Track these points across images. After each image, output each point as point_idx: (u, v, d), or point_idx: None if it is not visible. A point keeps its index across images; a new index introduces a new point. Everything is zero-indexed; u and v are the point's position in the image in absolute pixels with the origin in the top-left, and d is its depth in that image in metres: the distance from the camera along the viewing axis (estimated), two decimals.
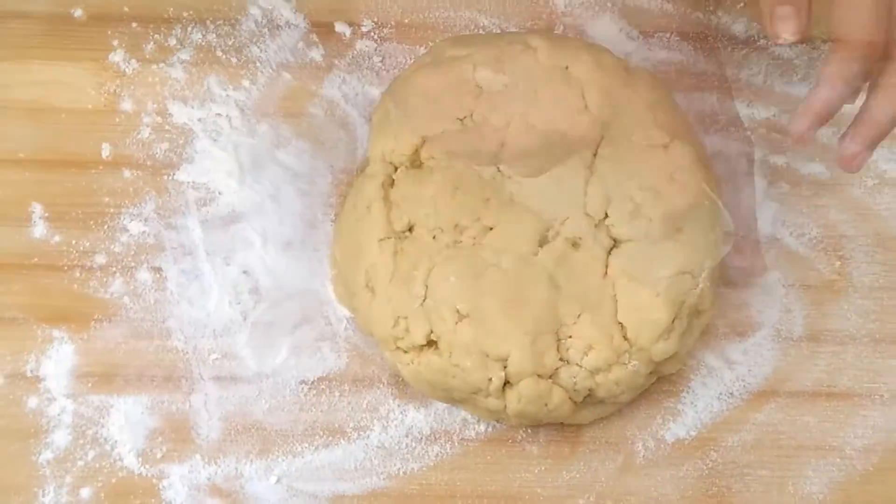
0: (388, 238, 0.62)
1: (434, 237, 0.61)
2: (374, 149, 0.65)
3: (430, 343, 0.60)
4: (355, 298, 0.63)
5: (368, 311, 0.62)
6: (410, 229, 0.62)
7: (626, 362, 0.60)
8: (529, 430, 0.65)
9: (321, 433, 0.64)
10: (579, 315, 0.60)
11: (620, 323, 0.60)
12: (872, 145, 0.57)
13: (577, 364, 0.60)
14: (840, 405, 0.65)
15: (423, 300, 0.60)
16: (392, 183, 0.64)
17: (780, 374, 0.66)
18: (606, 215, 0.62)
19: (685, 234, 0.61)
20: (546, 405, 0.60)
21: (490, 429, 0.65)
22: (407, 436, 0.64)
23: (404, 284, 0.60)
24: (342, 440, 0.64)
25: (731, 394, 0.65)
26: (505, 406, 0.60)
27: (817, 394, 0.65)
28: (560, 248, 0.61)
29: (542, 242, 0.61)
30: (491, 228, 0.62)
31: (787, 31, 0.55)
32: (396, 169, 0.64)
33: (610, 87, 0.64)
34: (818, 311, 0.67)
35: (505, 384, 0.60)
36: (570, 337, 0.60)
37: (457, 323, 0.59)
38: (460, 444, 0.64)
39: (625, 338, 0.60)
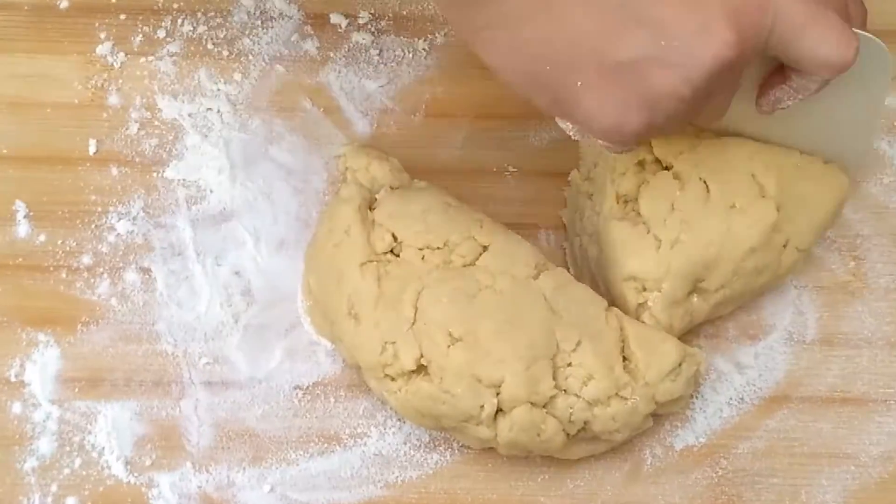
0: (371, 262, 0.60)
1: (423, 257, 0.60)
2: (352, 165, 0.65)
3: (420, 368, 0.59)
4: (337, 327, 0.61)
5: (353, 339, 0.60)
6: (394, 251, 0.61)
7: (627, 397, 0.59)
8: None
9: (316, 440, 0.64)
10: (578, 342, 0.59)
11: (624, 357, 0.59)
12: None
13: (574, 394, 0.58)
14: (855, 411, 0.64)
15: (413, 323, 0.59)
16: (371, 205, 0.63)
17: (792, 379, 0.65)
18: None
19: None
20: (539, 435, 0.59)
21: None
22: (405, 443, 0.64)
23: (392, 308, 0.59)
24: (338, 447, 0.63)
25: (742, 399, 0.65)
26: (496, 435, 0.59)
27: (831, 399, 0.65)
28: (561, 276, 0.61)
29: (541, 269, 0.60)
30: (485, 248, 0.61)
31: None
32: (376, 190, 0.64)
33: None
34: (832, 314, 0.66)
35: (497, 412, 0.58)
36: (570, 365, 0.58)
37: (449, 347, 0.58)
38: (460, 452, 0.64)
39: (626, 371, 0.59)
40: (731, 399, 0.64)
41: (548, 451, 0.60)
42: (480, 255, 0.60)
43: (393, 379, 0.59)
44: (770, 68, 0.55)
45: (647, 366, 0.59)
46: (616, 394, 0.58)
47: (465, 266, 0.60)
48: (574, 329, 0.59)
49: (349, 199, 0.62)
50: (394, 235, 0.61)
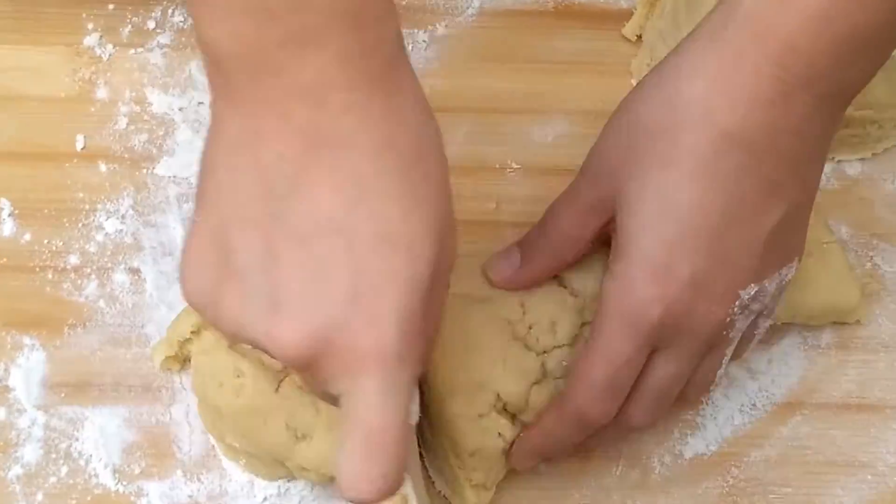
0: (282, 380, 0.57)
1: None
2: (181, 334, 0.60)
3: None
4: (292, 462, 0.57)
5: (321, 454, 0.56)
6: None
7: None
8: None
9: None
10: None
11: None
12: (542, 455, 0.58)
13: (555, 346, 0.57)
14: (871, 418, 0.64)
15: None
16: None
17: (806, 385, 0.64)
18: None
19: None
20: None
21: None
22: None
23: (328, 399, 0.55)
24: None
25: (754, 405, 0.64)
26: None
27: (847, 406, 0.64)
28: None
29: None
30: None
31: None
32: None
33: None
34: None
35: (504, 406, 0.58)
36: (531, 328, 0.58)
37: None
38: None
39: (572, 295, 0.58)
40: (742, 406, 0.64)
41: None
42: None
43: None
44: None
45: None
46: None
47: None
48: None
49: (214, 345, 0.58)
50: None
